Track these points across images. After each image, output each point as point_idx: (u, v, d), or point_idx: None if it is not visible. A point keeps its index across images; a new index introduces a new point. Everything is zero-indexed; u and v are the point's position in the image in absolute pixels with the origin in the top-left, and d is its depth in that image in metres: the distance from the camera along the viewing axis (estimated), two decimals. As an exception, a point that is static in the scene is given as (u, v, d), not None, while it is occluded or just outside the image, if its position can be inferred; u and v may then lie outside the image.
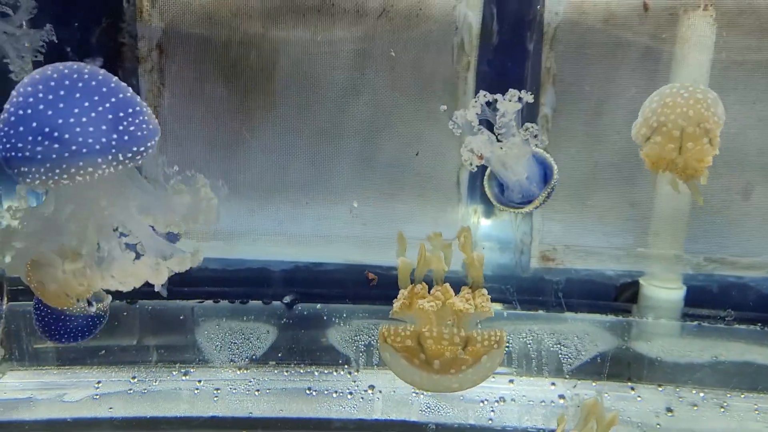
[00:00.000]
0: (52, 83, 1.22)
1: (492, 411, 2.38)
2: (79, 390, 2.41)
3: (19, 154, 1.20)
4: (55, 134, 1.20)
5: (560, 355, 2.53)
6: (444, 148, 2.57)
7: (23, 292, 1.80)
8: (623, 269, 2.69)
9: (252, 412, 2.37)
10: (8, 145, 1.21)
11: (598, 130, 2.55)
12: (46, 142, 1.20)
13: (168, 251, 1.37)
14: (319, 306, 2.65)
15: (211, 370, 2.51)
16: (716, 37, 2.38)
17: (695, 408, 2.41)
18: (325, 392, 2.43)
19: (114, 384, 2.43)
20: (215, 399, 2.40)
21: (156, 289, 1.37)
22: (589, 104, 2.53)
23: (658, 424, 2.35)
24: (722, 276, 2.65)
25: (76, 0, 2.39)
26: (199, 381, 2.46)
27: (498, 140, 1.87)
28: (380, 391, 2.43)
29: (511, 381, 2.49)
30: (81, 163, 1.21)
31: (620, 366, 2.55)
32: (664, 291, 2.65)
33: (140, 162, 1.29)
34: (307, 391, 2.44)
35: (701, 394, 2.45)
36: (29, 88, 1.23)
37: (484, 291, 1.68)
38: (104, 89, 1.25)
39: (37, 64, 2.11)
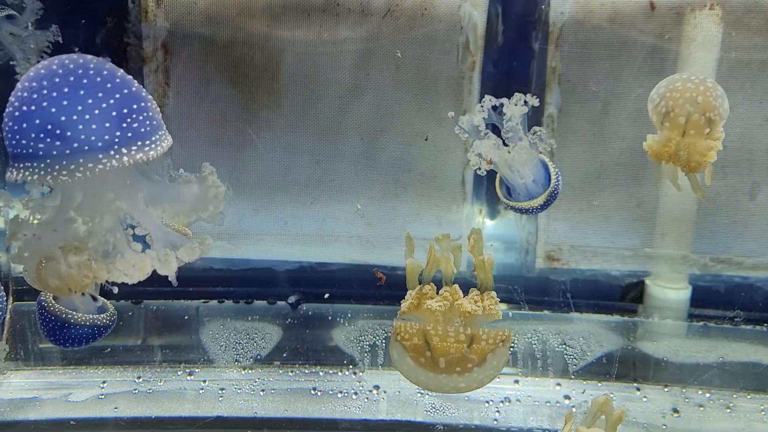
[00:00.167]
0: (57, 79, 1.23)
1: (497, 411, 2.38)
2: (85, 390, 2.41)
3: (24, 151, 1.21)
4: (58, 131, 1.20)
5: (566, 356, 2.52)
6: (449, 147, 2.56)
7: (28, 291, 1.79)
8: (629, 269, 2.69)
9: (257, 412, 2.36)
10: (14, 141, 1.22)
11: (604, 129, 2.54)
12: (48, 139, 1.20)
13: (178, 241, 1.36)
14: (323, 305, 2.65)
15: (215, 370, 2.50)
16: (722, 36, 2.37)
17: (701, 409, 2.40)
18: (330, 392, 2.43)
19: (119, 384, 2.43)
20: (220, 399, 2.40)
21: (169, 278, 1.36)
22: (594, 104, 2.52)
23: (665, 425, 2.34)
24: (729, 276, 2.64)
25: (82, 1, 2.40)
26: (204, 381, 2.46)
27: (504, 144, 1.86)
28: (385, 392, 2.42)
29: (517, 381, 2.48)
30: (81, 160, 1.21)
31: (626, 366, 2.54)
32: (670, 291, 2.64)
33: (146, 158, 1.28)
34: (312, 392, 2.44)
35: (707, 395, 2.43)
36: (34, 83, 1.24)
37: (493, 294, 1.66)
38: (109, 85, 1.26)
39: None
